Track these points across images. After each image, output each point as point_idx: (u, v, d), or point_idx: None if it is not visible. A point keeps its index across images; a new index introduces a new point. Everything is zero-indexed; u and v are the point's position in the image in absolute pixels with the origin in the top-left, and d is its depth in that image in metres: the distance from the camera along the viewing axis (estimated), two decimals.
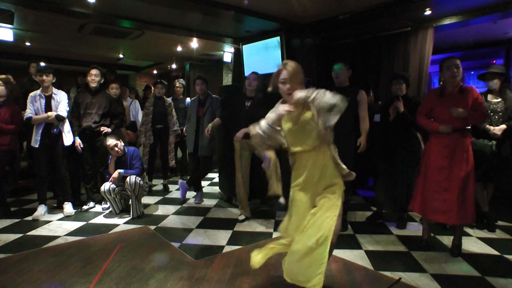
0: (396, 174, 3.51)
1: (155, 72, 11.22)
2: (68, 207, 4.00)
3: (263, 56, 5.65)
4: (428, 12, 4.25)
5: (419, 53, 4.66)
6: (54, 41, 6.82)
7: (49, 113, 3.81)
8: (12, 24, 4.92)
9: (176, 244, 3.13)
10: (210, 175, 5.85)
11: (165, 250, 3.00)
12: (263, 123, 2.08)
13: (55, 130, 3.86)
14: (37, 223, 3.68)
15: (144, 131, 5.08)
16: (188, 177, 4.81)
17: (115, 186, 3.91)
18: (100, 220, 3.84)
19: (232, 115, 3.87)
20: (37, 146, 3.82)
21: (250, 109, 3.75)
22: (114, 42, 6.79)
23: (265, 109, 3.70)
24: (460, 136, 2.80)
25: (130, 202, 3.89)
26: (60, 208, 4.09)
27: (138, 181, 3.85)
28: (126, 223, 3.74)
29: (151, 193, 4.96)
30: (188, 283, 2.41)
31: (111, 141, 3.84)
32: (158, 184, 5.58)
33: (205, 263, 2.74)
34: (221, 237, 3.34)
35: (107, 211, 4.10)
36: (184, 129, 4.94)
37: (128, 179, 3.82)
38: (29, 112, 3.80)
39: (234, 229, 3.57)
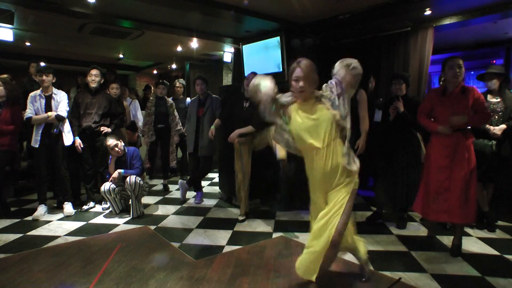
0: (396, 174, 3.51)
1: (155, 72, 11.21)
2: (68, 207, 4.00)
3: (263, 56, 5.65)
4: (428, 12, 4.25)
5: (419, 53, 4.66)
6: (54, 41, 6.81)
7: (49, 113, 3.82)
8: (12, 24, 4.92)
9: (176, 244, 3.13)
10: (210, 175, 5.85)
11: (165, 250, 3.00)
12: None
13: (55, 130, 3.87)
14: (37, 223, 3.69)
15: (147, 131, 5.09)
16: (188, 177, 4.81)
17: (115, 186, 3.91)
18: (100, 220, 3.84)
19: (232, 115, 3.86)
20: (37, 146, 3.82)
21: (248, 110, 3.75)
22: (114, 42, 6.79)
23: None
24: (461, 136, 2.80)
25: (130, 202, 3.90)
26: (60, 208, 4.09)
27: (138, 181, 3.85)
28: (126, 223, 3.74)
29: (151, 193, 4.96)
30: (188, 283, 2.41)
31: (111, 141, 3.84)
32: (158, 184, 5.59)
33: (205, 263, 2.74)
34: (221, 237, 3.34)
35: (107, 211, 4.10)
36: (184, 129, 4.94)
37: (128, 179, 3.82)
38: (29, 112, 3.80)
39: (234, 229, 3.57)
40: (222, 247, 3.09)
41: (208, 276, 2.51)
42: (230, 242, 3.22)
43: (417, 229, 3.56)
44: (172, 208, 4.33)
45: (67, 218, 3.88)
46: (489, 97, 3.44)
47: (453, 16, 4.41)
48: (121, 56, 8.48)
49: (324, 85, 2.15)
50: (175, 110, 5.21)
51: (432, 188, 2.88)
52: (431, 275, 2.55)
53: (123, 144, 3.99)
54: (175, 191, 5.16)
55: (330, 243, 2.03)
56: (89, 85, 4.11)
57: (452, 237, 3.04)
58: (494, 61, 6.41)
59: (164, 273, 2.57)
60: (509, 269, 2.69)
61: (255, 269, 2.63)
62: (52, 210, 4.12)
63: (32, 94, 3.89)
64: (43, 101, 3.85)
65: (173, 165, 5.40)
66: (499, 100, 3.39)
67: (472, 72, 6.75)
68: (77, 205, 4.19)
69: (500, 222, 3.71)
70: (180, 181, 4.71)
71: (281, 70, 5.38)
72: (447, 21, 4.47)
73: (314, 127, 2.09)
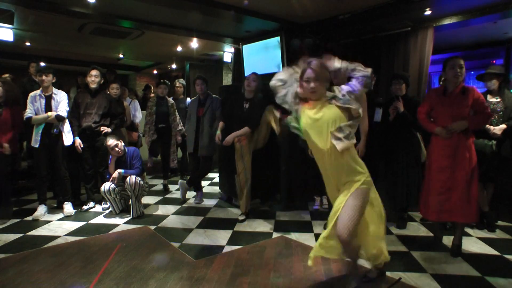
0: (396, 174, 3.51)
1: (155, 72, 11.22)
2: (68, 207, 4.00)
3: (263, 56, 5.65)
4: (428, 12, 4.25)
5: (419, 53, 4.66)
6: (54, 41, 6.81)
7: (49, 113, 3.81)
8: (12, 24, 4.92)
9: (176, 244, 3.13)
10: (210, 175, 5.85)
11: (165, 250, 3.00)
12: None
13: (55, 130, 3.86)
14: (37, 223, 3.69)
15: (148, 131, 5.10)
16: (188, 177, 4.81)
17: (115, 186, 3.91)
18: (100, 220, 3.84)
19: (231, 116, 3.86)
20: (37, 146, 3.82)
21: (248, 110, 3.74)
22: (114, 42, 6.79)
23: (263, 110, 3.70)
24: (462, 135, 2.80)
25: (130, 202, 3.90)
26: (60, 208, 4.09)
27: (138, 181, 3.85)
28: (126, 223, 3.74)
29: (151, 193, 4.96)
30: (188, 283, 2.41)
31: (111, 141, 3.84)
32: (158, 184, 5.59)
33: (205, 263, 2.74)
34: (221, 237, 3.34)
35: (107, 211, 4.10)
36: (184, 129, 4.94)
37: (128, 179, 3.82)
38: (29, 112, 3.80)
39: (234, 229, 3.57)
40: (222, 247, 3.09)
41: (208, 276, 2.51)
42: (230, 242, 3.22)
43: (417, 229, 3.56)
44: (172, 208, 4.33)
45: (67, 218, 3.88)
46: (488, 97, 3.44)
47: (453, 16, 4.41)
48: (121, 56, 8.48)
49: (335, 87, 2.15)
50: (176, 111, 5.21)
51: (434, 188, 2.87)
52: (431, 275, 2.55)
53: (123, 144, 3.99)
54: (175, 191, 5.16)
55: (340, 240, 2.07)
56: (89, 86, 4.11)
57: (452, 237, 3.05)
58: (494, 61, 6.41)
59: (164, 273, 2.57)
60: (509, 269, 2.69)
61: (255, 269, 2.63)
62: (52, 210, 4.12)
63: (32, 94, 3.88)
64: (43, 101, 3.84)
65: (174, 165, 5.41)
66: (499, 100, 3.39)
67: (472, 72, 6.75)
68: (77, 205, 4.19)
69: (500, 222, 3.71)
70: (180, 181, 4.71)
71: (281, 70, 5.37)
72: (447, 21, 4.47)
73: (318, 127, 2.10)
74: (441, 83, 4.05)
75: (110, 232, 3.46)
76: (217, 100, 4.36)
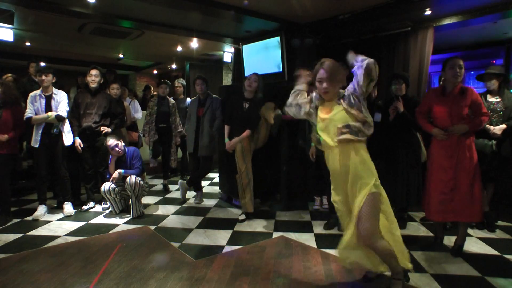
0: (396, 174, 3.51)
1: (155, 72, 11.21)
2: (68, 207, 4.00)
3: (263, 56, 5.65)
4: (428, 12, 4.25)
5: (419, 53, 4.66)
6: (54, 41, 6.81)
7: (49, 113, 3.81)
8: (12, 24, 4.91)
9: (176, 244, 3.13)
10: (210, 175, 5.86)
11: (165, 250, 3.00)
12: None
13: (55, 130, 3.86)
14: (37, 223, 3.69)
15: (148, 130, 5.10)
16: (188, 177, 4.81)
17: (115, 186, 3.91)
18: (100, 220, 3.84)
19: (232, 116, 3.86)
20: (37, 146, 3.82)
21: (248, 111, 3.74)
22: (114, 42, 6.78)
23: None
24: (462, 135, 2.80)
25: (130, 202, 3.90)
26: (60, 208, 4.10)
27: (138, 181, 3.85)
28: (126, 223, 3.74)
29: (151, 193, 4.96)
30: (188, 283, 2.41)
31: (111, 141, 3.85)
32: (158, 184, 5.59)
33: (205, 263, 2.74)
34: (221, 237, 3.34)
35: (107, 211, 4.10)
36: (184, 129, 4.95)
37: (128, 179, 3.82)
38: (29, 112, 3.80)
39: (234, 229, 3.57)
40: (222, 247, 3.09)
41: (208, 276, 2.51)
42: (230, 242, 3.22)
43: (417, 229, 3.56)
44: (172, 208, 4.33)
45: (67, 218, 3.88)
46: (488, 97, 3.45)
47: (453, 16, 4.41)
48: (121, 56, 8.48)
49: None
50: (177, 111, 5.22)
51: (437, 189, 2.87)
52: (431, 275, 2.55)
53: (123, 144, 3.99)
54: (175, 191, 5.16)
55: (368, 246, 2.11)
56: (89, 85, 4.11)
57: (451, 237, 3.04)
58: (494, 61, 6.41)
59: (164, 273, 2.57)
60: (509, 269, 2.69)
61: (255, 269, 2.63)
62: (52, 210, 4.12)
63: (32, 94, 3.88)
64: (43, 101, 3.84)
65: (174, 166, 5.42)
66: (499, 100, 3.39)
67: (472, 72, 6.75)
68: (77, 205, 4.19)
69: (500, 222, 3.71)
70: (180, 181, 4.71)
71: (281, 70, 5.38)
72: (447, 21, 4.47)
73: (327, 126, 2.13)
74: (441, 83, 4.05)
75: (110, 232, 3.46)
76: (217, 100, 4.36)
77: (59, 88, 4.01)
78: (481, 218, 2.92)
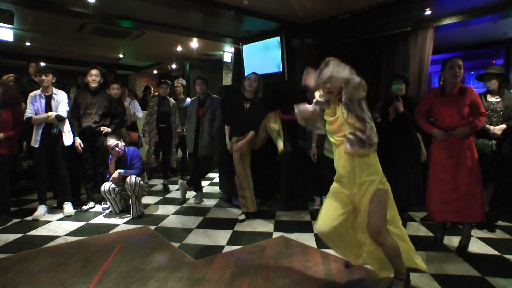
0: (396, 174, 3.50)
1: (155, 72, 11.21)
2: (68, 207, 4.00)
3: (263, 56, 5.65)
4: (428, 12, 4.25)
5: (419, 53, 4.66)
6: (54, 41, 6.81)
7: (49, 113, 3.81)
8: (12, 24, 4.92)
9: (176, 244, 3.13)
10: (210, 175, 5.86)
11: (165, 250, 3.00)
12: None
13: (55, 130, 3.86)
14: (37, 223, 3.69)
15: (148, 130, 5.10)
16: (188, 177, 4.81)
17: (115, 186, 3.91)
18: (100, 220, 3.84)
19: (231, 116, 3.85)
20: (37, 146, 3.82)
21: (249, 111, 3.74)
22: (114, 42, 6.79)
23: (264, 110, 3.69)
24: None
25: (130, 202, 3.90)
26: (60, 208, 4.10)
27: (138, 181, 3.85)
28: (126, 223, 3.74)
29: (151, 193, 4.96)
30: (188, 283, 2.41)
31: (112, 141, 3.85)
32: (158, 184, 5.59)
33: (205, 263, 2.74)
34: (221, 237, 3.34)
35: (107, 211, 4.10)
36: (184, 129, 4.95)
37: (128, 179, 3.82)
38: (29, 112, 3.80)
39: (234, 229, 3.57)
40: (222, 247, 3.09)
41: (208, 276, 2.51)
42: (230, 242, 3.22)
43: (417, 229, 3.56)
44: (172, 208, 4.33)
45: (67, 218, 3.88)
46: (488, 96, 3.45)
47: (453, 16, 4.41)
48: (121, 56, 8.48)
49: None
50: (177, 111, 5.23)
51: (439, 189, 2.88)
52: (431, 275, 2.55)
53: (123, 144, 3.99)
54: (175, 191, 5.16)
55: (376, 242, 2.13)
56: (89, 85, 4.11)
57: (451, 237, 3.04)
58: (494, 61, 6.40)
59: (164, 273, 2.57)
60: (509, 269, 2.69)
61: (255, 269, 2.63)
62: (52, 210, 4.12)
63: (32, 94, 3.88)
64: (43, 101, 3.84)
65: (174, 165, 5.42)
66: (499, 100, 3.39)
67: (472, 72, 6.75)
68: (77, 205, 4.19)
69: (500, 222, 3.71)
70: (180, 181, 4.71)
71: (281, 70, 5.38)
72: (447, 21, 4.47)
73: (331, 127, 2.17)
74: (441, 83, 4.06)
75: (110, 232, 3.46)
76: (217, 100, 4.36)
77: (61, 89, 4.01)
78: (483, 217, 2.92)
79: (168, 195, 4.99)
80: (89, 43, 6.90)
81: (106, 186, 3.90)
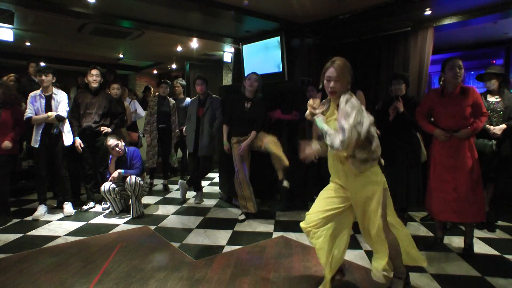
0: (396, 174, 3.51)
1: (155, 72, 11.21)
2: (68, 207, 4.00)
3: (263, 56, 5.65)
4: (428, 12, 4.25)
5: (419, 53, 4.66)
6: (54, 41, 6.80)
7: (49, 113, 3.81)
8: (12, 24, 4.92)
9: (176, 244, 3.13)
10: (210, 175, 5.85)
11: (165, 250, 3.00)
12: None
13: (55, 130, 3.86)
14: (37, 223, 3.69)
15: (149, 130, 5.10)
16: (188, 177, 4.81)
17: (115, 186, 3.91)
18: (100, 220, 3.84)
19: (231, 116, 3.85)
20: (37, 146, 3.82)
21: (250, 110, 3.74)
22: (114, 42, 6.78)
23: (264, 110, 3.67)
24: None
25: (130, 202, 3.90)
26: (60, 208, 4.10)
27: (138, 181, 3.85)
28: (126, 223, 3.74)
29: (151, 193, 4.96)
30: (188, 283, 2.41)
31: (112, 141, 3.85)
32: (158, 184, 5.59)
33: (205, 263, 2.74)
34: (221, 237, 3.34)
35: (107, 211, 4.10)
36: (184, 129, 4.95)
37: (128, 179, 3.82)
38: (29, 112, 3.80)
39: (234, 229, 3.57)
40: (222, 247, 3.09)
41: (208, 276, 2.51)
42: (230, 242, 3.22)
43: (417, 229, 3.56)
44: (172, 208, 4.33)
45: (67, 218, 3.88)
46: (488, 96, 3.45)
47: (453, 16, 4.41)
48: (121, 56, 8.48)
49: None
50: (176, 112, 5.23)
51: (440, 189, 2.88)
52: (431, 275, 2.56)
53: (123, 144, 3.99)
54: (175, 191, 5.16)
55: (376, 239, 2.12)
56: (89, 85, 4.11)
57: (451, 237, 3.04)
58: (494, 61, 6.40)
59: (164, 273, 2.57)
60: (509, 269, 2.70)
61: (255, 269, 2.63)
62: (52, 210, 4.12)
63: (32, 94, 3.88)
64: (43, 101, 3.84)
65: (175, 165, 5.42)
66: (499, 99, 3.39)
67: (472, 72, 6.74)
68: (77, 205, 4.19)
69: (500, 222, 3.72)
70: (180, 181, 4.71)
71: (281, 70, 5.38)
72: (447, 21, 4.47)
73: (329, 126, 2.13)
74: (441, 83, 4.06)
75: (110, 232, 3.46)
76: (217, 100, 4.36)
77: (63, 89, 4.01)
78: (483, 217, 2.92)
79: (168, 195, 4.99)
80: (89, 43, 6.90)
81: (106, 186, 3.90)
